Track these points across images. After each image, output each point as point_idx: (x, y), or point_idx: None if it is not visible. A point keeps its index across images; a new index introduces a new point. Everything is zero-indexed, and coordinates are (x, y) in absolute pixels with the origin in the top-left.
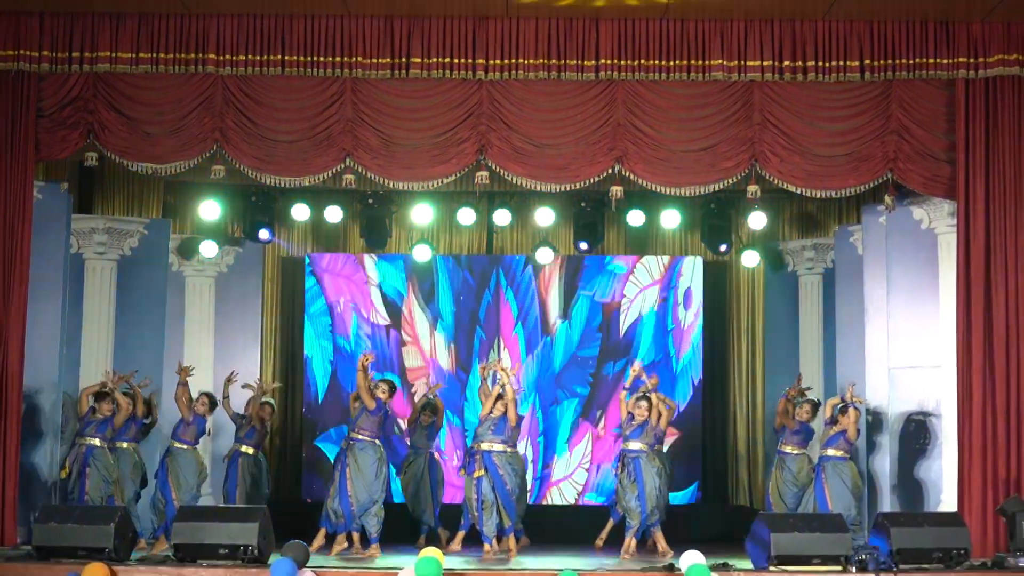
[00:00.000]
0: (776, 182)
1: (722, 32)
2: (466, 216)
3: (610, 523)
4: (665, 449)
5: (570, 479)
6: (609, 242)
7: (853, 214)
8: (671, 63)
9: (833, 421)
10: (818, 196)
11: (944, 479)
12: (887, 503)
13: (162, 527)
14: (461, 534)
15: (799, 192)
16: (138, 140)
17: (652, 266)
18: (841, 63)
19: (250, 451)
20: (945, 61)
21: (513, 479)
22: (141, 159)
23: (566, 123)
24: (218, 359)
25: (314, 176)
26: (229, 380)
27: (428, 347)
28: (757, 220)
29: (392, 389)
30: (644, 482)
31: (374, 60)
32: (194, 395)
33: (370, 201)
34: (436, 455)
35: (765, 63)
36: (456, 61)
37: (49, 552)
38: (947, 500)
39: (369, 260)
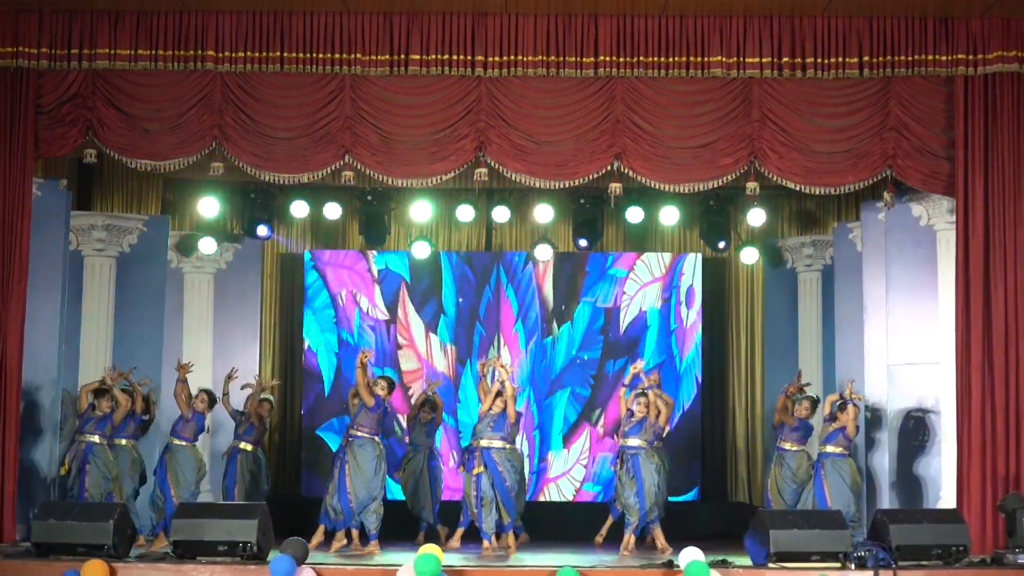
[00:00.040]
0: (775, 179)
1: (721, 29)
2: (465, 213)
3: (609, 520)
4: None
5: (568, 475)
6: (608, 239)
7: (852, 211)
8: (670, 60)
9: (832, 418)
10: (817, 193)
11: (943, 476)
12: (886, 500)
13: (161, 524)
14: (460, 531)
15: (798, 189)
16: (137, 137)
17: (652, 264)
18: (840, 60)
19: (249, 448)
20: (944, 58)
21: (512, 476)
22: (140, 156)
23: (565, 120)
24: (217, 356)
25: (313, 173)
26: (229, 377)
27: (424, 349)
28: (756, 217)
29: (391, 386)
30: (643, 479)
31: (373, 57)
32: (193, 392)
33: (369, 198)
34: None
35: (764, 60)
36: (455, 58)
37: (48, 549)
38: (946, 497)
39: (371, 252)
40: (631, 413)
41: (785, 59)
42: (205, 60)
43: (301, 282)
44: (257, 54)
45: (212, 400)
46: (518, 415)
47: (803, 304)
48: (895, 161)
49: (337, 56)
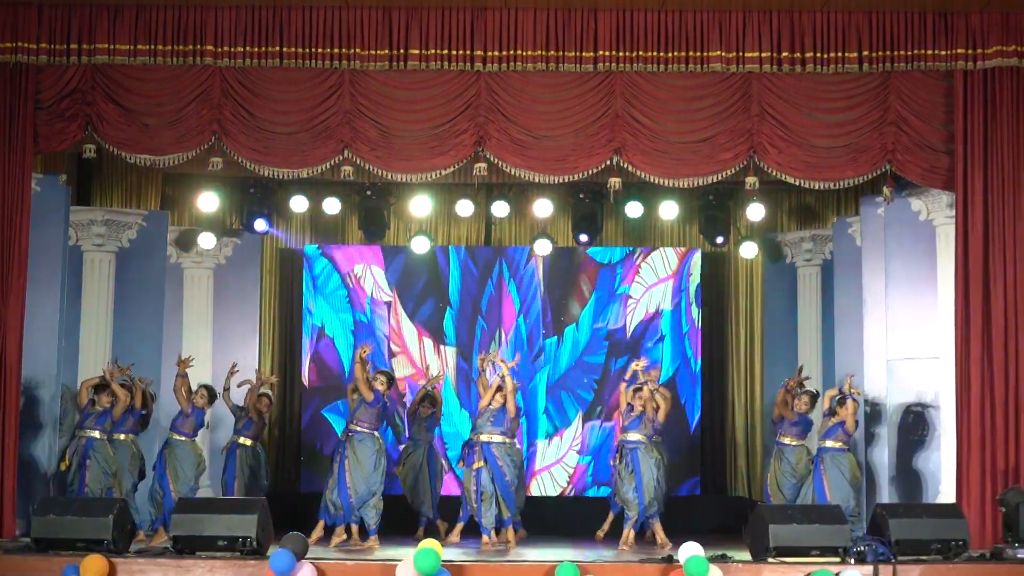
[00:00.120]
0: (774, 173)
1: (720, 23)
2: (464, 208)
3: (610, 515)
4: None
5: (562, 463)
6: (607, 233)
7: (851, 205)
8: (669, 54)
9: (831, 412)
10: (816, 187)
11: (942, 470)
12: (885, 494)
13: (160, 519)
14: (460, 526)
15: (797, 183)
16: (136, 132)
17: (658, 264)
18: (839, 54)
19: (248, 443)
20: (943, 52)
21: (512, 470)
22: (139, 151)
23: (564, 114)
24: (216, 351)
25: (312, 168)
26: (231, 372)
27: (417, 355)
28: (755, 211)
29: (390, 381)
30: (642, 473)
31: (372, 51)
32: (193, 387)
33: (368, 193)
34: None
35: (763, 54)
36: (454, 52)
37: (48, 544)
38: (945, 491)
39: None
40: (631, 407)
41: (784, 54)
42: (204, 55)
43: (300, 277)
44: (256, 49)
45: (212, 396)
46: (518, 410)
47: (802, 299)
48: (894, 156)
49: (336, 51)
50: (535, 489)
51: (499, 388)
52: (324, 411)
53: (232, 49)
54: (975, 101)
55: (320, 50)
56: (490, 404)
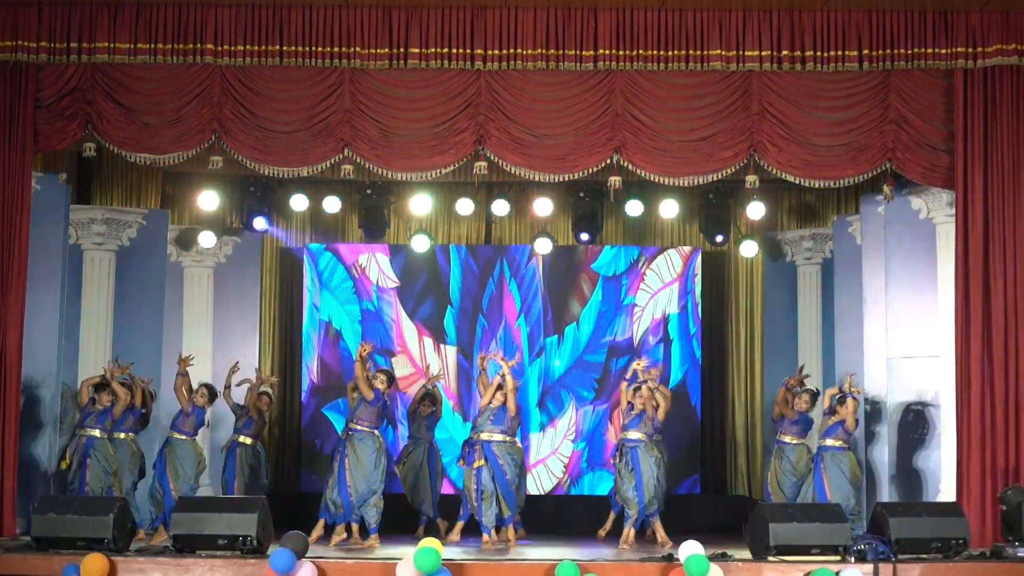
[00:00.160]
0: (775, 172)
1: (720, 22)
2: (465, 206)
3: (612, 514)
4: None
5: (556, 453)
6: (607, 232)
7: (852, 204)
8: (670, 53)
9: (831, 411)
10: (817, 186)
11: (943, 469)
12: (886, 493)
13: (160, 518)
14: (460, 524)
15: (797, 182)
16: (136, 131)
17: (663, 269)
18: (840, 53)
19: (248, 441)
20: (943, 51)
21: (512, 469)
22: (139, 150)
23: (564, 113)
24: (217, 350)
25: (312, 166)
26: (233, 370)
27: (418, 355)
28: (756, 210)
29: (391, 379)
30: (641, 472)
31: (372, 50)
32: (194, 386)
33: (368, 191)
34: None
35: (764, 53)
36: (454, 51)
37: (48, 543)
38: (946, 490)
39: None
40: (631, 406)
41: (784, 52)
42: (204, 53)
43: (300, 276)
44: (256, 47)
45: (212, 394)
46: (519, 409)
47: (802, 297)
48: (894, 154)
49: (336, 49)
50: (531, 486)
51: (499, 387)
52: (324, 409)
53: (232, 48)
54: (975, 100)
55: (320, 49)
56: (490, 403)
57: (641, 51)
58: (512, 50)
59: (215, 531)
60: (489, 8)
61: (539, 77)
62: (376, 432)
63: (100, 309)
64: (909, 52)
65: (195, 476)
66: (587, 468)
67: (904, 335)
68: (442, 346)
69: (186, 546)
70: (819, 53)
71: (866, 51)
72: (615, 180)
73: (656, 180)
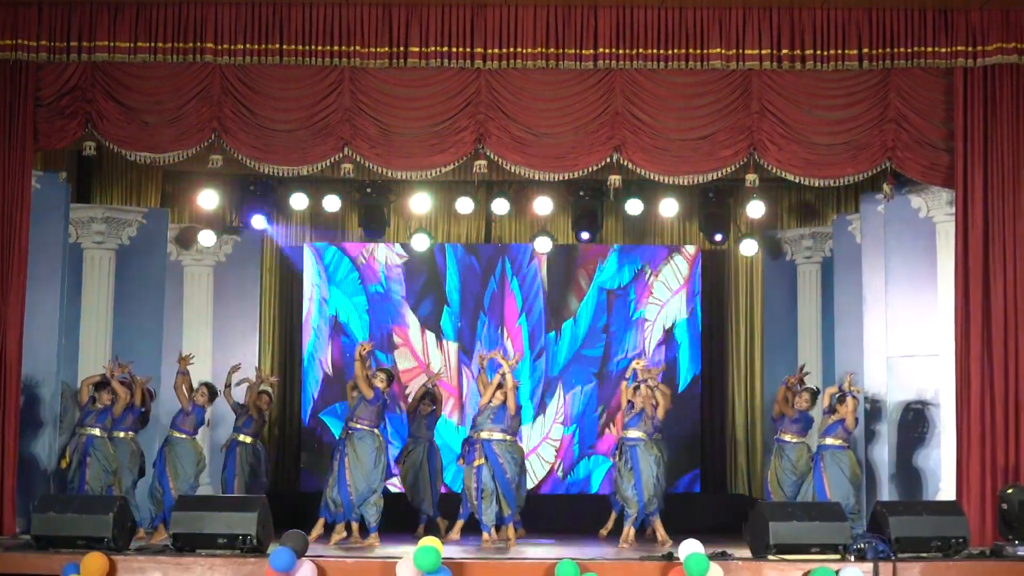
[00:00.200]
0: (774, 171)
1: (720, 20)
2: (464, 205)
3: (613, 514)
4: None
5: (548, 439)
6: (607, 231)
7: (851, 203)
8: (669, 51)
9: (831, 410)
10: (816, 185)
11: (942, 468)
12: (885, 492)
13: (159, 516)
14: (460, 523)
15: (797, 181)
16: (136, 130)
17: (670, 277)
18: (839, 51)
19: (248, 440)
20: (943, 49)
21: (513, 468)
22: (139, 148)
23: (564, 112)
24: (216, 348)
25: (312, 165)
26: (234, 370)
27: (420, 348)
28: (755, 209)
29: (390, 378)
30: (641, 470)
31: (372, 49)
32: (194, 385)
33: (368, 190)
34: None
35: (763, 51)
36: (454, 50)
37: (48, 542)
38: (945, 488)
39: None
40: (631, 404)
41: (784, 51)
42: (204, 52)
43: (300, 274)
44: (256, 46)
45: (213, 394)
46: (518, 407)
47: (802, 296)
48: (894, 153)
49: (336, 48)
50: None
51: (499, 385)
52: (321, 415)
53: (232, 47)
54: (975, 98)
55: (320, 47)
56: (490, 402)
57: (641, 50)
58: (512, 49)
59: (215, 530)
60: (489, 6)
61: (539, 76)
62: (376, 431)
63: (100, 308)
64: (909, 51)
65: (195, 475)
66: (579, 454)
67: (904, 334)
68: (444, 342)
69: (186, 545)
70: (819, 52)
71: (866, 50)
72: (615, 179)
73: (656, 179)
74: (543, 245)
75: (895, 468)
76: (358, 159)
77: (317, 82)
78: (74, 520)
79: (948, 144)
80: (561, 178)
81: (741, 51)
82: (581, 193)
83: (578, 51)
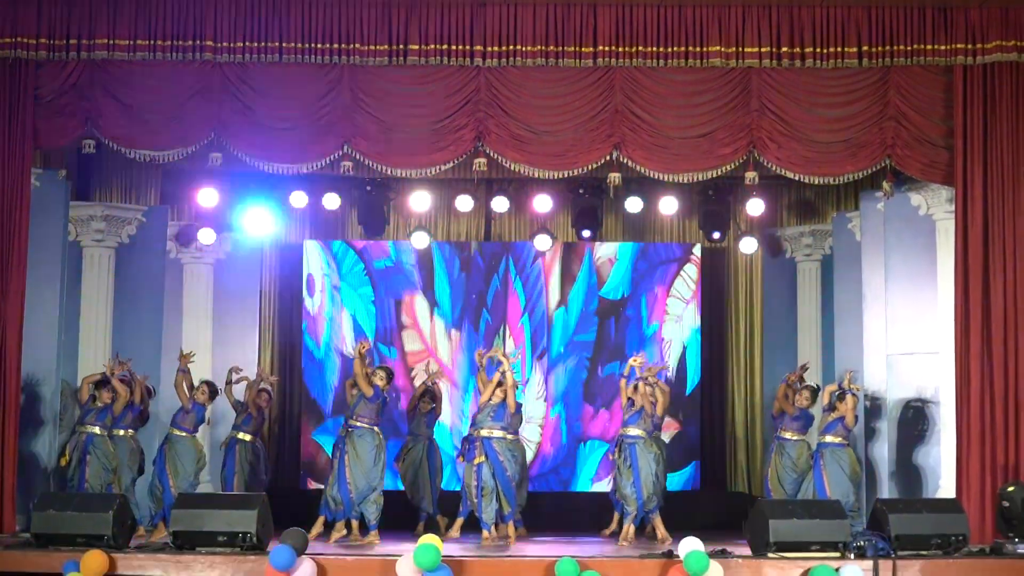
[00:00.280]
0: (774, 168)
1: (720, 18)
2: (464, 203)
3: (616, 514)
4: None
5: (531, 421)
6: (607, 229)
7: (851, 200)
8: (669, 49)
9: (831, 408)
10: (816, 182)
11: (942, 465)
12: (885, 489)
13: (159, 514)
14: (460, 521)
15: (797, 178)
16: (136, 127)
17: (682, 289)
18: (839, 49)
19: (247, 438)
20: (943, 47)
21: (513, 465)
22: (139, 146)
23: (564, 110)
24: (216, 346)
25: (312, 163)
26: (234, 370)
27: (428, 331)
28: (755, 207)
29: (390, 376)
30: (640, 468)
31: (372, 47)
32: (194, 383)
33: (368, 188)
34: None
35: (763, 49)
36: (454, 47)
37: (47, 540)
38: (945, 486)
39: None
40: (631, 402)
41: (784, 49)
42: (204, 50)
43: (300, 273)
44: (256, 44)
45: (213, 391)
46: (518, 405)
47: (802, 294)
48: (894, 151)
49: (336, 46)
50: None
51: (499, 383)
52: (313, 435)
53: (232, 44)
54: (974, 96)
55: (320, 45)
56: (490, 399)
57: (640, 47)
58: (512, 47)
59: (215, 528)
60: (489, 4)
61: (539, 74)
62: (376, 429)
63: (100, 306)
64: (908, 48)
65: (195, 473)
66: (566, 436)
67: (904, 331)
68: (452, 331)
69: (186, 543)
70: (818, 49)
71: (865, 47)
72: (615, 176)
73: (656, 176)
74: (543, 243)
75: (895, 466)
76: (358, 157)
77: (317, 80)
78: (74, 518)
79: (948, 142)
80: (561, 176)
81: (741, 49)
82: (581, 191)
83: (578, 49)
